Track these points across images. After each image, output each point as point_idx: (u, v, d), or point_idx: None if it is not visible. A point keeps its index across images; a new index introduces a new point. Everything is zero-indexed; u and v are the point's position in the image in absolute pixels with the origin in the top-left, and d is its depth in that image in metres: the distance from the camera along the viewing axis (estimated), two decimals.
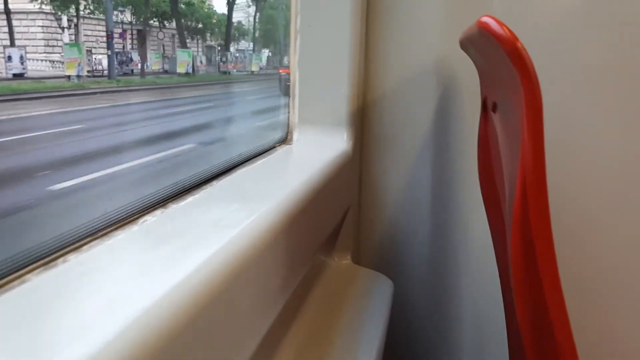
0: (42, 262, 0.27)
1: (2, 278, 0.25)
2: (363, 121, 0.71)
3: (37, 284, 0.25)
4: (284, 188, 0.48)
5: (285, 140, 0.67)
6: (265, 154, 0.60)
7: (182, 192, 0.42)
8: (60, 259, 0.28)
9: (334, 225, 0.65)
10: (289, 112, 0.67)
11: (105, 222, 0.34)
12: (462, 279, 0.71)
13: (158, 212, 0.37)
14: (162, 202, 0.39)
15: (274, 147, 0.64)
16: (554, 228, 0.32)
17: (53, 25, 8.23)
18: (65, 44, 7.59)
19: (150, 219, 0.36)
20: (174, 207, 0.38)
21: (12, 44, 7.34)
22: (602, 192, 0.62)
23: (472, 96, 0.59)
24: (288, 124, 0.67)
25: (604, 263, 0.63)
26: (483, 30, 0.34)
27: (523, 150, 0.32)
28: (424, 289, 0.73)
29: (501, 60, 0.34)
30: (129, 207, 0.37)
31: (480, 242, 0.68)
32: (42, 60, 7.85)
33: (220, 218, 0.38)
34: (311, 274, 0.61)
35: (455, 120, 0.69)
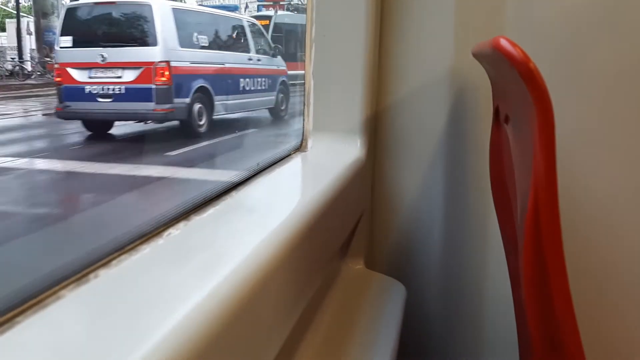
0: (74, 278, 0.28)
1: (38, 295, 0.26)
2: (376, 128, 0.73)
3: (72, 300, 0.26)
4: (302, 197, 0.50)
5: (300, 147, 0.69)
6: (281, 161, 0.61)
7: (204, 204, 0.43)
8: (92, 274, 0.29)
9: (348, 231, 0.67)
10: (303, 120, 0.69)
11: (133, 236, 0.34)
12: (475, 284, 0.72)
13: (181, 225, 0.38)
14: (185, 214, 0.40)
15: (290, 154, 0.66)
16: (566, 238, 0.33)
17: None
18: None
19: (174, 232, 0.36)
20: (196, 219, 0.39)
21: None
22: (615, 200, 0.62)
23: (484, 103, 0.60)
24: (303, 131, 0.69)
25: (618, 273, 0.63)
26: (497, 51, 0.35)
27: (535, 169, 0.33)
28: (437, 293, 0.75)
29: (514, 79, 0.35)
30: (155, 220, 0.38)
31: (493, 247, 0.69)
32: None
33: (241, 230, 0.40)
34: (326, 280, 0.62)
35: (467, 126, 0.70)
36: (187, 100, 5.23)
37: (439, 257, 0.74)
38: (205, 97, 5.41)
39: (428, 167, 0.72)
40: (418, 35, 0.70)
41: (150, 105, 5.08)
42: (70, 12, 5.62)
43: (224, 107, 5.60)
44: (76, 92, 5.20)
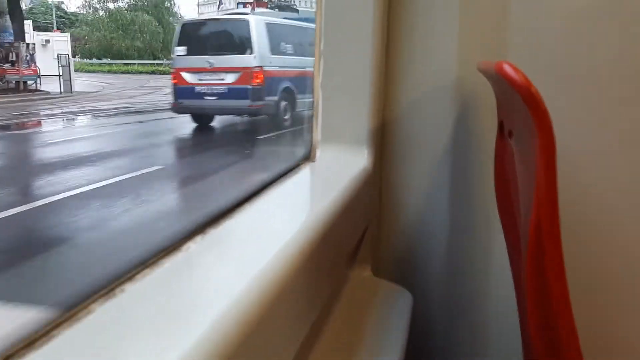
0: (103, 292, 0.29)
1: (70, 309, 0.27)
2: (383, 138, 0.69)
3: (103, 314, 0.27)
4: (311, 209, 0.49)
5: (309, 157, 0.67)
6: (291, 172, 0.61)
7: (219, 217, 0.43)
8: (118, 289, 0.29)
9: (356, 239, 0.65)
10: (312, 131, 0.70)
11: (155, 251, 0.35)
12: (480, 292, 0.67)
13: (198, 238, 0.37)
14: (202, 228, 0.40)
15: (299, 165, 0.65)
16: (566, 246, 0.33)
17: None
18: None
19: (192, 245, 0.36)
20: (212, 233, 0.39)
21: None
22: (614, 209, 0.59)
23: (489, 115, 0.56)
24: (311, 142, 0.69)
25: (617, 279, 0.61)
26: (499, 75, 0.34)
27: (538, 187, 0.32)
28: (443, 301, 0.70)
29: (516, 101, 0.34)
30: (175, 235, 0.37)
31: (498, 256, 0.63)
32: None
33: (254, 243, 0.39)
34: (334, 288, 0.60)
35: (472, 137, 0.64)
36: (276, 98, 5.90)
37: (444, 265, 0.69)
38: (289, 95, 6.02)
39: (434, 176, 0.68)
40: (424, 48, 0.65)
41: (247, 102, 5.86)
42: (185, 27, 6.41)
43: (304, 104, 6.05)
44: (188, 92, 5.96)
